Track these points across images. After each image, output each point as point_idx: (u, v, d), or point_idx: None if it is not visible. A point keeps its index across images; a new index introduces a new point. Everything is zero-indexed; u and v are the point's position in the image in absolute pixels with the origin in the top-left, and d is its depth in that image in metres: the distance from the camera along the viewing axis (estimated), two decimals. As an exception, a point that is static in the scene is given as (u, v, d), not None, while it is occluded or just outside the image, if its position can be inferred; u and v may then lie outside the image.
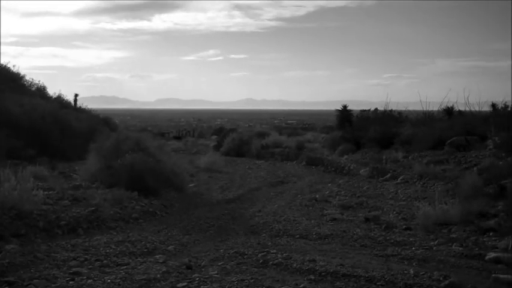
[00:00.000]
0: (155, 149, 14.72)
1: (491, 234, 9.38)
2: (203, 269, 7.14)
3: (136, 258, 7.71)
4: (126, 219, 10.53)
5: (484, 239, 9.12)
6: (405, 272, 6.99)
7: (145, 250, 8.20)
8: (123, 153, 13.44)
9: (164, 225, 10.28)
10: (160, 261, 7.50)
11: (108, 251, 8.00)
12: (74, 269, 6.90)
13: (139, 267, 7.12)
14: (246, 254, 7.87)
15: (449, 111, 25.89)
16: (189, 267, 7.17)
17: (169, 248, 8.43)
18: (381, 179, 17.09)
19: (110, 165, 13.18)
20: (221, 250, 8.24)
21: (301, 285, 6.40)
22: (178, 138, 41.90)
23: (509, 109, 23.38)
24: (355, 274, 6.80)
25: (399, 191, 14.60)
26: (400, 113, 28.77)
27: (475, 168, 15.29)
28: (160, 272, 6.89)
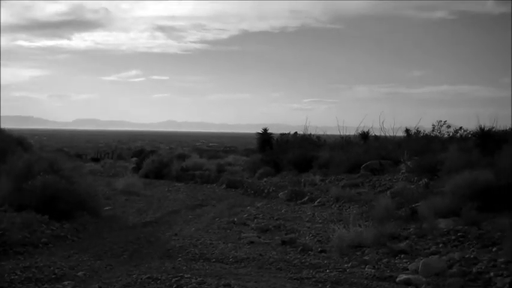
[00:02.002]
0: (70, 171, 14.23)
1: (402, 256, 9.63)
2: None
3: (43, 284, 7.37)
4: (35, 243, 10.05)
5: (396, 261, 9.35)
6: (319, 295, 7.03)
7: (53, 276, 7.85)
8: (34, 175, 12.90)
9: (75, 250, 9.89)
10: (69, 288, 7.19)
11: (13, 277, 7.61)
12: (-26, 298, 6.49)
13: (45, 295, 6.78)
14: (159, 279, 7.68)
15: (365, 136, 26.69)
16: (98, 294, 6.90)
17: (79, 273, 8.11)
18: (299, 201, 17.32)
19: (19, 187, 12.60)
20: (134, 275, 8.00)
21: (214, 311, 6.29)
22: (96, 160, 40.76)
23: (421, 135, 24.32)
24: (269, 298, 6.77)
25: (316, 214, 14.82)
26: (318, 137, 29.37)
27: (388, 192, 15.76)
28: (67, 299, 6.60)
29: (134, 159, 37.24)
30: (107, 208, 15.34)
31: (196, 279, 7.65)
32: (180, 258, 9.43)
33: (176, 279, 7.65)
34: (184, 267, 8.68)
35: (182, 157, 31.14)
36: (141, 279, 7.73)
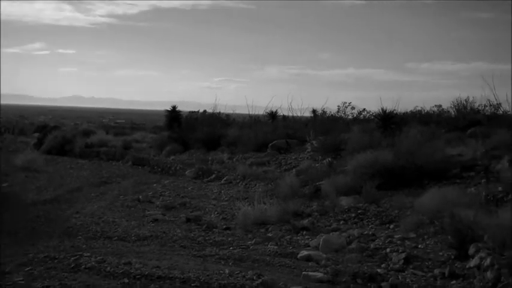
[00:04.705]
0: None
1: (304, 233, 9.85)
2: (7, 276, 6.57)
3: None
4: None
5: (298, 238, 9.55)
6: (221, 272, 7.03)
7: None
8: None
9: (-34, 229, 9.35)
10: (-44, 269, 6.78)
11: None
12: None
13: None
14: (57, 258, 7.39)
15: (273, 116, 27.04)
16: (-10, 274, 6.56)
17: (-30, 254, 7.67)
18: (206, 179, 17.30)
19: None
20: (30, 254, 7.65)
21: (114, 289, 6.15)
22: (-5, 134, 38.77)
23: (327, 115, 24.96)
24: (170, 276, 6.69)
25: (222, 192, 14.86)
26: (227, 115, 29.44)
27: (293, 170, 16.07)
28: (-45, 280, 6.22)
29: (36, 134, 35.81)
30: (5, 185, 14.64)
31: (95, 257, 7.44)
32: (80, 237, 9.15)
33: (75, 258, 7.40)
34: (84, 246, 8.43)
35: (87, 133, 30.25)
36: (38, 258, 7.42)
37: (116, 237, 9.20)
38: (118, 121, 76.08)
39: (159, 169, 20.10)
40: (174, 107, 29.66)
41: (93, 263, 7.15)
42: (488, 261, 6.75)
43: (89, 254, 7.71)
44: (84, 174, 18.83)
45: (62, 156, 25.04)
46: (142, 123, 67.70)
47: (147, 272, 6.78)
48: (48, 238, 9.00)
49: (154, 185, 16.35)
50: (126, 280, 6.52)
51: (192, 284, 6.46)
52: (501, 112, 19.05)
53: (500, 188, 10.77)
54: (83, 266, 7.02)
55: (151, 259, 7.63)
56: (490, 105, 19.92)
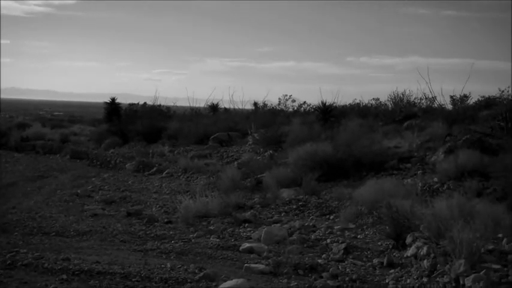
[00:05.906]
0: None
1: (246, 225, 9.89)
2: None
3: None
4: None
5: (240, 230, 9.59)
6: (162, 266, 6.98)
7: None
8: None
9: None
10: None
11: None
12: None
13: None
14: (-8, 255, 7.16)
15: (214, 108, 27.01)
16: None
17: None
18: (147, 173, 17.10)
19: None
20: (-37, 252, 7.39)
21: (52, 286, 5.99)
22: None
23: (268, 108, 25.15)
24: (110, 271, 6.58)
25: (164, 185, 14.73)
26: (168, 107, 29.17)
27: (235, 163, 16.10)
28: None
29: (-32, 127, 34.49)
30: None
31: (33, 254, 7.23)
32: (16, 233, 8.88)
33: (11, 254, 7.17)
34: (20, 242, 8.19)
35: (23, 126, 29.40)
36: (-28, 255, 7.17)
37: (54, 233, 8.98)
38: (55, 113, 74.09)
39: (98, 163, 19.72)
40: (113, 99, 29.10)
41: (31, 259, 6.95)
42: (424, 250, 6.95)
43: (25, 250, 7.50)
44: (20, 168, 18.27)
45: (-4, 150, 24.19)
46: (81, 115, 66.14)
47: (86, 268, 6.65)
48: (-18, 235, 8.71)
49: (94, 179, 16.03)
50: (64, 276, 6.37)
51: (133, 279, 6.38)
52: (436, 105, 19.65)
53: (435, 179, 11.13)
54: (20, 263, 6.82)
55: (91, 254, 7.50)
56: (426, 98, 20.51)
